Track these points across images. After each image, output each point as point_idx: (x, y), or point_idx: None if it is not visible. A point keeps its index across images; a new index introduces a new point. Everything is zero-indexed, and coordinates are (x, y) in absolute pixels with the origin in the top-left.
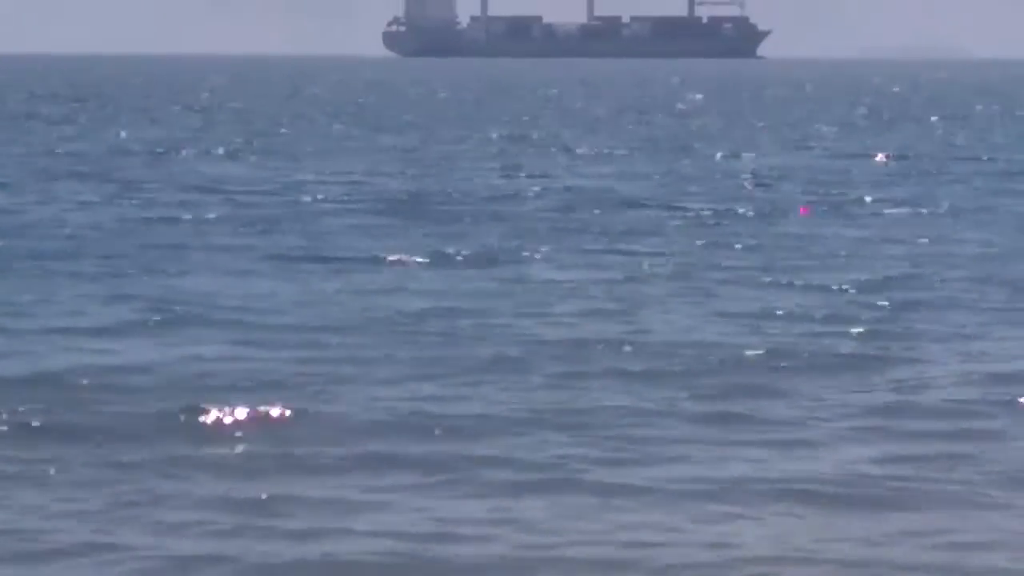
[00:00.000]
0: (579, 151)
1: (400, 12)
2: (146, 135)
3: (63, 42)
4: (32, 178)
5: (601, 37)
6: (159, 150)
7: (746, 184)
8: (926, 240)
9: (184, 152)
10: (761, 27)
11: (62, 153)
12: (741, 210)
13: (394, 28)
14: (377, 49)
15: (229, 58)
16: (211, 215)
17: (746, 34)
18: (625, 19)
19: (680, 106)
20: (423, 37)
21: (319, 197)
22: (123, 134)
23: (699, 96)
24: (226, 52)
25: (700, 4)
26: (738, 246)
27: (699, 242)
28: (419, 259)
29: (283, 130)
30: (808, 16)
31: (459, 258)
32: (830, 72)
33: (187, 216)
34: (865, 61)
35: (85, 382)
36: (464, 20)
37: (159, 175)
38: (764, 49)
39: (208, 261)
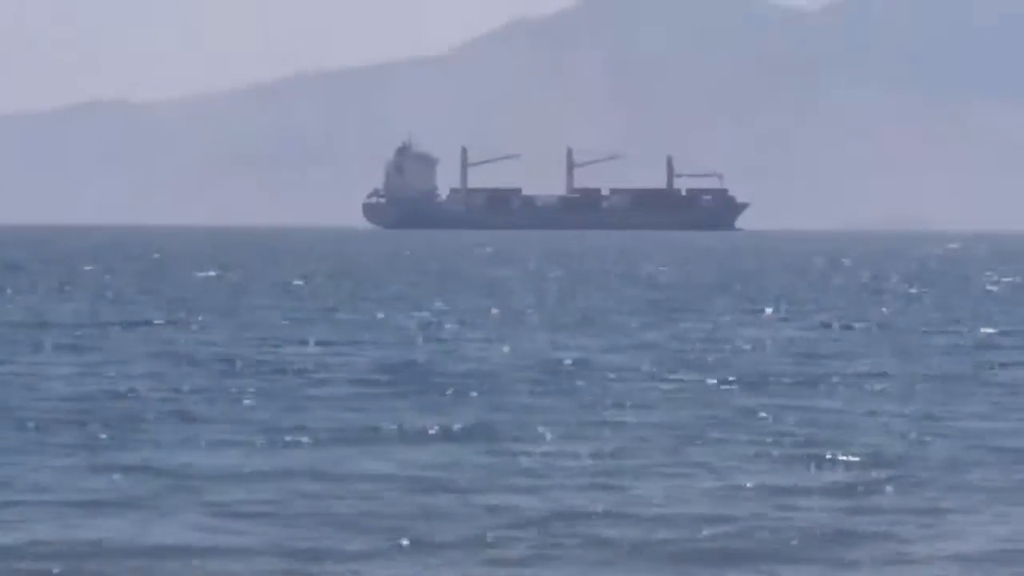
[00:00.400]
0: (562, 321)
1: (380, 184)
2: (130, 305)
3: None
4: (9, 346)
5: (580, 209)
6: (136, 320)
7: (727, 354)
8: (908, 412)
9: (160, 322)
10: (739, 200)
11: (40, 322)
12: (727, 381)
13: (374, 200)
14: (358, 221)
15: (205, 229)
16: (186, 386)
17: (725, 206)
18: (604, 191)
19: (659, 276)
20: (404, 209)
21: (299, 368)
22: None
23: (664, 268)
24: (202, 223)
25: (679, 177)
26: (722, 416)
27: (683, 412)
28: (402, 431)
29: (264, 300)
30: (785, 189)
31: (438, 430)
32: (808, 244)
33: (165, 386)
34: (841, 233)
35: (56, 571)
36: (444, 192)
37: (138, 345)
38: (742, 221)
39: (185, 432)
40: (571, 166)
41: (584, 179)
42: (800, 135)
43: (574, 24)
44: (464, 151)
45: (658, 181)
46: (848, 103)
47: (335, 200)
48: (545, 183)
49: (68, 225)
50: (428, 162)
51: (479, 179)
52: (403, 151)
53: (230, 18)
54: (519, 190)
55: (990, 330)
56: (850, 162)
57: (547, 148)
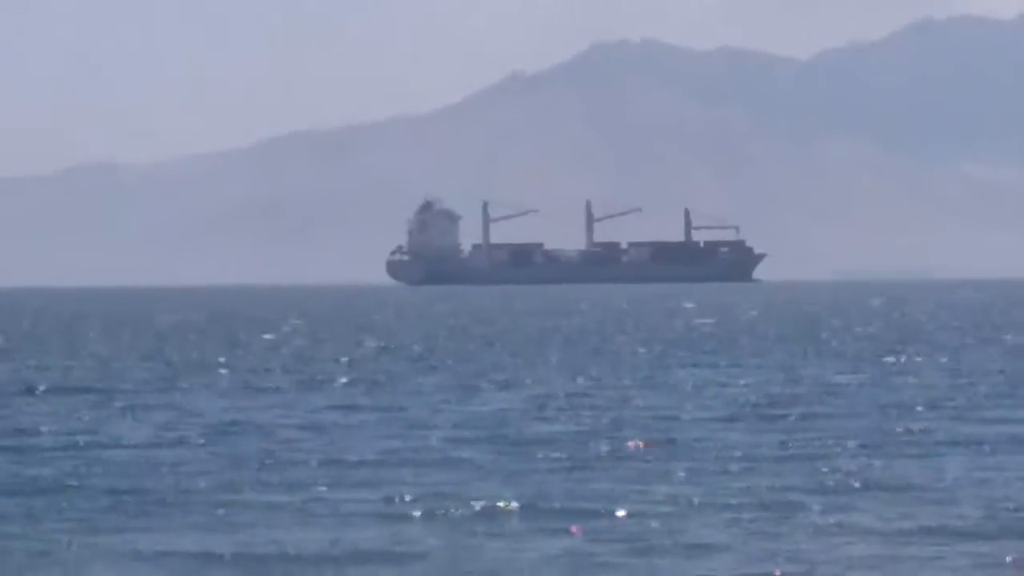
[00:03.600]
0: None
1: (403, 241)
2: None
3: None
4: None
5: (601, 263)
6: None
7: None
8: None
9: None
10: (757, 251)
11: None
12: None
13: (398, 257)
14: (381, 277)
15: (224, 288)
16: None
17: (742, 258)
18: (624, 245)
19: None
20: (427, 265)
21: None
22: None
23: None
24: (219, 282)
25: (696, 229)
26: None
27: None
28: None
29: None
30: (799, 239)
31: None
32: (826, 294)
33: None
34: (855, 283)
35: None
36: (467, 248)
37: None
38: (760, 272)
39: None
40: (590, 220)
41: (603, 233)
42: (788, 186)
43: (568, 78)
44: (485, 206)
45: (676, 234)
46: (838, 155)
47: (345, 257)
48: (566, 237)
49: (67, 288)
50: (451, 219)
51: (501, 235)
52: (426, 208)
53: (226, 78)
54: (541, 245)
55: None
56: (842, 213)
57: (562, 202)
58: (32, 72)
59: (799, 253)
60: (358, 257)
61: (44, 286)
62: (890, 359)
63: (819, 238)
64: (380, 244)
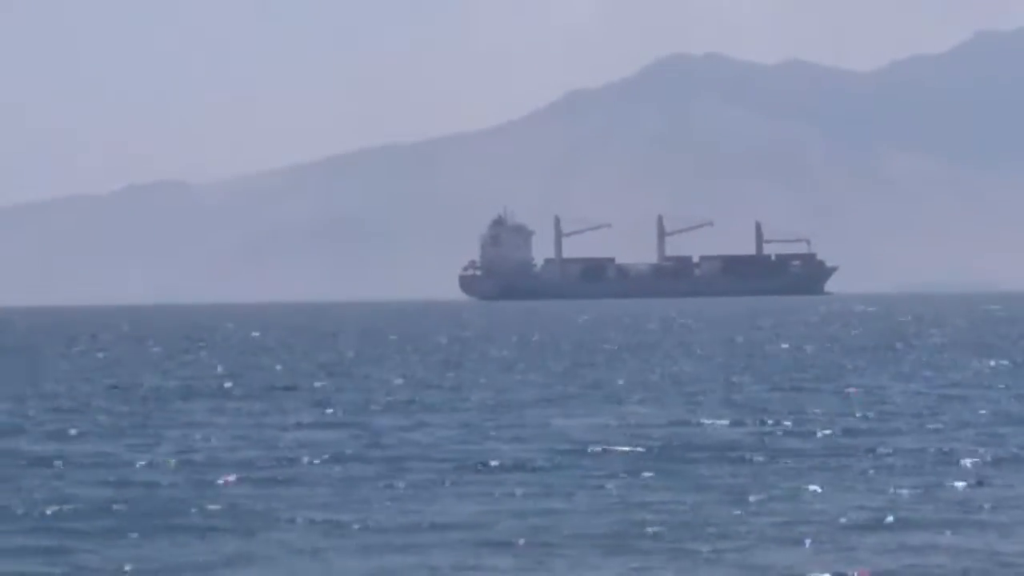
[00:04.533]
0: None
1: (476, 256)
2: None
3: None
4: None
5: (673, 277)
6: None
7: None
8: None
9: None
10: (828, 264)
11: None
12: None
13: (470, 272)
14: (454, 293)
15: (296, 305)
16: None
17: (813, 271)
18: (695, 259)
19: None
20: (500, 280)
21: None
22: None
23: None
24: (289, 299)
25: (768, 242)
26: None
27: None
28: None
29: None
30: (865, 252)
31: None
32: (894, 306)
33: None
34: (921, 295)
35: None
36: (539, 262)
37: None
38: (831, 285)
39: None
40: (662, 233)
41: (675, 246)
42: (855, 199)
43: (632, 94)
44: (557, 221)
45: (747, 247)
46: (904, 168)
47: (418, 272)
48: (638, 251)
49: (137, 305)
50: (524, 233)
51: (573, 249)
52: (499, 223)
53: (298, 94)
54: (613, 259)
55: None
56: (907, 226)
57: (633, 216)
58: (102, 89)
59: (865, 266)
60: (431, 272)
61: (111, 304)
62: None
63: (885, 251)
64: (453, 259)
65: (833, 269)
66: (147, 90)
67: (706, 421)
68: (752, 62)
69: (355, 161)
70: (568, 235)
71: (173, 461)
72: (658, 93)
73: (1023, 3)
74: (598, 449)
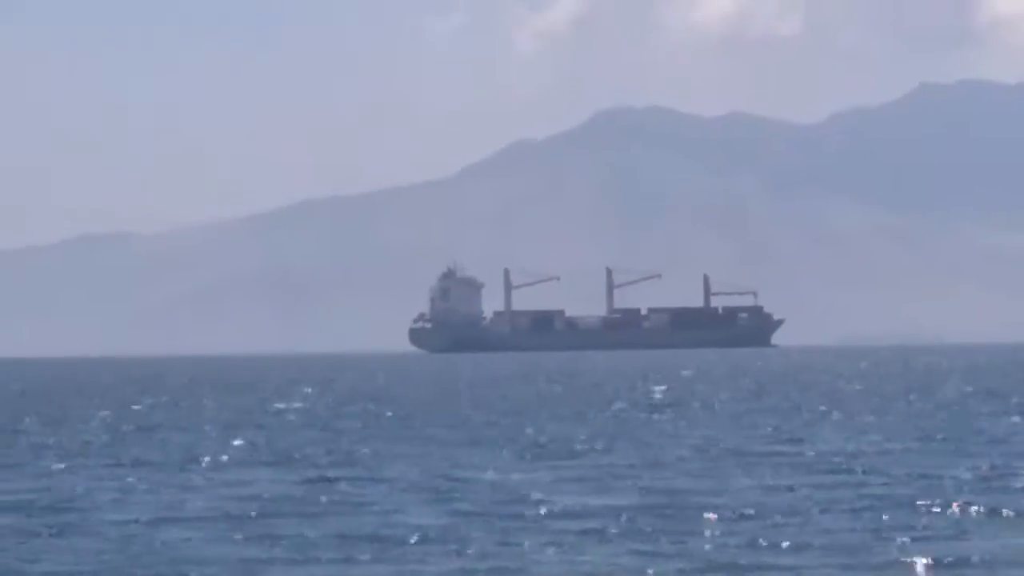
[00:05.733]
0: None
1: (426, 309)
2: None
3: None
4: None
5: (621, 329)
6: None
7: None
8: None
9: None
10: (775, 316)
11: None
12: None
13: (420, 324)
14: (403, 345)
15: (240, 357)
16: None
17: (761, 323)
18: (644, 311)
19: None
20: (450, 333)
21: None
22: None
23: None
24: (207, 352)
25: (715, 295)
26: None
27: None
28: None
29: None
30: (810, 305)
31: None
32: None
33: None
34: (867, 348)
35: None
36: (489, 315)
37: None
38: (778, 337)
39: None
40: (610, 286)
41: (623, 299)
42: (799, 252)
43: (575, 145)
44: (507, 274)
45: (695, 300)
46: (848, 220)
47: (367, 325)
48: (586, 304)
49: (73, 357)
50: (473, 286)
51: (522, 302)
52: (448, 276)
53: (228, 150)
54: (562, 311)
55: None
56: (852, 278)
57: (581, 269)
58: (40, 141)
59: (809, 318)
60: (380, 324)
61: (51, 356)
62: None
63: (829, 303)
64: (402, 311)
65: (780, 322)
66: (92, 141)
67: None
68: (695, 115)
69: (300, 212)
70: (517, 287)
71: None
72: (601, 145)
73: (966, 55)
74: None
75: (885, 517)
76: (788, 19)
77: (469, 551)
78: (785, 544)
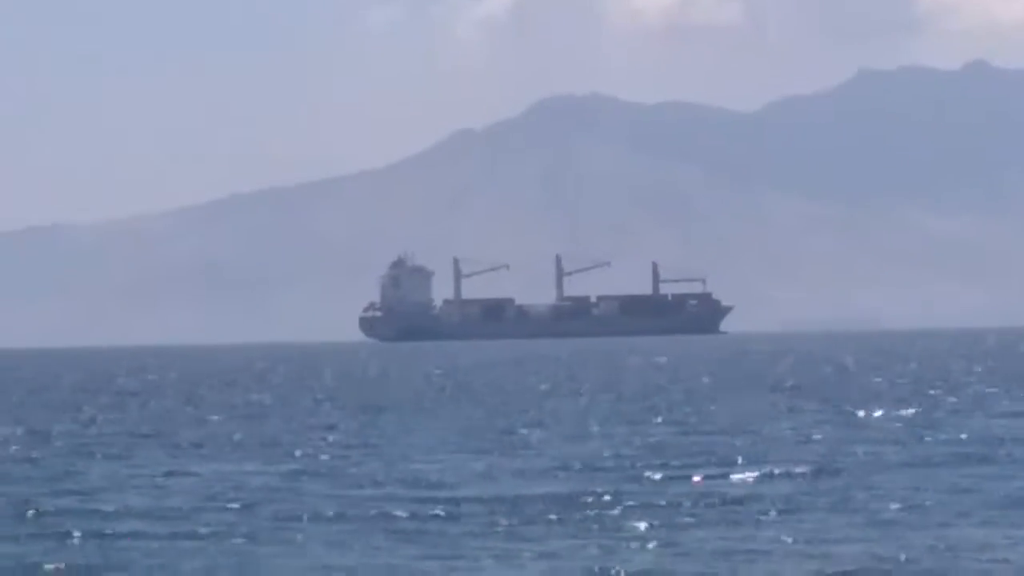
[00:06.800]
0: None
1: (376, 298)
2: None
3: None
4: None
5: (571, 317)
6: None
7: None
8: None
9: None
10: (724, 303)
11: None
12: None
13: (370, 313)
14: (354, 334)
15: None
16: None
17: (710, 310)
18: (593, 299)
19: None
20: (400, 322)
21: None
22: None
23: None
24: (148, 343)
25: (664, 282)
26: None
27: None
28: None
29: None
30: (751, 292)
31: None
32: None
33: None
34: (820, 333)
35: None
36: (438, 303)
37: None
38: (727, 324)
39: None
40: (560, 274)
41: (573, 287)
42: (739, 239)
43: (517, 134)
44: (456, 262)
45: (644, 287)
46: (787, 207)
47: (317, 314)
48: (537, 292)
49: (12, 348)
50: (424, 275)
51: (472, 290)
52: (398, 265)
53: (168, 141)
54: (512, 300)
55: None
56: (791, 265)
57: (531, 257)
58: None
59: (754, 305)
60: (328, 315)
61: None
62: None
63: (770, 290)
64: (349, 301)
65: (729, 308)
66: (18, 133)
67: None
68: (636, 102)
69: (237, 204)
70: (468, 276)
71: None
72: (543, 133)
73: (906, 41)
74: None
75: None
76: (728, 7)
77: None
78: None
